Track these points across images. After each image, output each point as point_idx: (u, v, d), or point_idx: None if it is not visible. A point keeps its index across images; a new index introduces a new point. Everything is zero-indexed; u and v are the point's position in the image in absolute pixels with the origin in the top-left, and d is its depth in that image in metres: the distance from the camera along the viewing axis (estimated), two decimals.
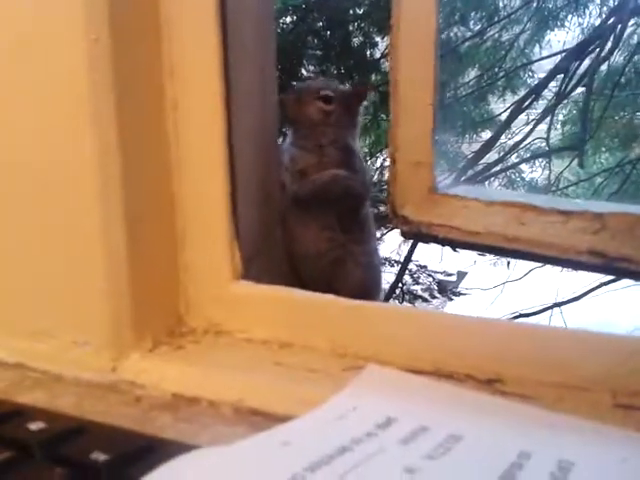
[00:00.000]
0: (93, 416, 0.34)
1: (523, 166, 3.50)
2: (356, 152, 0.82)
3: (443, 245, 0.66)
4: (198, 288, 0.45)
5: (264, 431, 0.31)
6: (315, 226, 0.78)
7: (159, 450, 0.28)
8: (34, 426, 0.29)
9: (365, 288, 0.79)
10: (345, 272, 0.78)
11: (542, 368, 0.37)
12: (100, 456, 0.27)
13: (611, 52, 2.84)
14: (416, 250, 2.84)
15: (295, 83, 0.85)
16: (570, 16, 3.42)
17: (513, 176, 3.51)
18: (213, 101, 0.45)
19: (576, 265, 0.54)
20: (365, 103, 0.85)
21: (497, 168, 3.11)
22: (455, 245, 0.65)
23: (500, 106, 3.58)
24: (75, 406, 0.37)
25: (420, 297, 2.89)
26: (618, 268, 0.51)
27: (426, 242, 0.66)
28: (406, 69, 0.65)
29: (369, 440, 0.30)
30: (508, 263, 2.90)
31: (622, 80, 3.30)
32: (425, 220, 0.65)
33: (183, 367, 0.41)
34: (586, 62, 3.01)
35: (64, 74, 0.40)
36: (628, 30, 3.18)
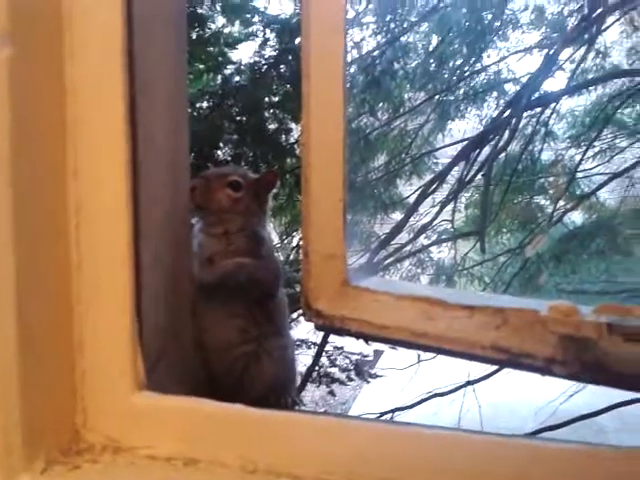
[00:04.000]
0: None
1: (433, 249, 3.66)
2: (265, 239, 0.81)
3: (356, 338, 0.66)
4: (97, 399, 0.43)
5: None
6: (224, 315, 0.76)
7: None
8: None
9: (278, 382, 0.78)
10: (258, 367, 0.77)
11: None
12: None
13: (508, 143, 3.07)
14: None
15: (207, 169, 0.84)
16: (469, 108, 3.71)
17: (422, 256, 3.64)
18: (118, 199, 0.44)
19: (482, 359, 0.56)
20: (275, 190, 0.86)
21: (407, 248, 3.22)
22: (367, 338, 0.66)
23: (408, 189, 3.77)
24: None
25: (337, 380, 2.87)
26: (521, 363, 0.53)
27: (339, 335, 0.66)
28: (317, 167, 0.67)
29: None
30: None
31: (519, 167, 3.57)
32: (338, 314, 0.65)
33: None
34: (486, 150, 3.24)
35: None
36: (523, 121, 3.48)
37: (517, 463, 0.37)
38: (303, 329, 2.94)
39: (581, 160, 3.58)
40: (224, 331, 0.77)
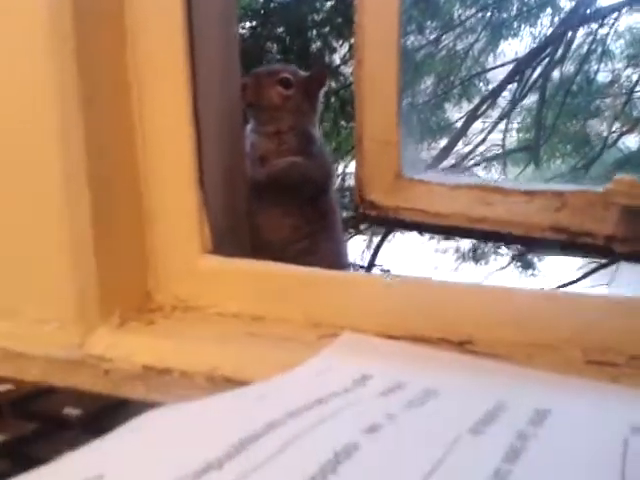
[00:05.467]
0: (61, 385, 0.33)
1: (480, 172, 3.57)
2: (315, 138, 0.81)
3: (410, 230, 0.66)
4: (166, 263, 0.45)
5: (239, 388, 0.30)
6: (277, 214, 0.77)
7: (131, 408, 0.28)
8: (1, 388, 0.28)
9: None
10: (311, 262, 0.78)
11: (513, 329, 0.37)
12: (72, 411, 0.26)
13: (562, 60, 2.93)
14: (378, 255, 2.86)
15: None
16: (523, 25, 3.52)
17: (470, 180, 3.57)
18: (179, 84, 0.44)
19: (541, 242, 0.55)
20: (325, 89, 0.85)
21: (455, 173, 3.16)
22: (422, 228, 0.66)
23: (457, 114, 3.66)
24: (42, 376, 0.36)
25: None
26: (581, 243, 0.52)
27: (393, 226, 0.66)
28: (371, 46, 0.65)
29: (346, 393, 0.30)
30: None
31: (574, 88, 3.41)
32: (392, 205, 0.65)
33: (153, 340, 0.40)
34: (538, 70, 3.10)
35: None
36: (578, 40, 3.30)
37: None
38: (350, 253, 2.96)
39: (638, 80, 3.40)
40: (277, 230, 0.78)
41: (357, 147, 0.65)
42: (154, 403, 0.29)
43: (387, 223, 0.67)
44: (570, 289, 2.42)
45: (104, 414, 0.26)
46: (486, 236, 0.61)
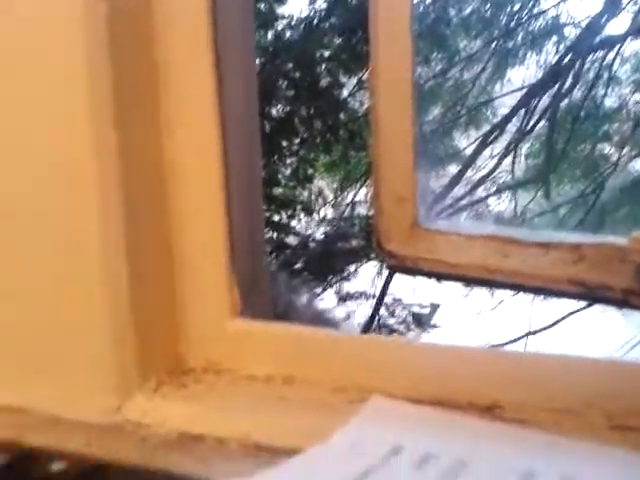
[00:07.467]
0: (103, 456, 0.35)
1: (489, 199, 3.59)
2: None
3: (429, 277, 0.68)
4: (197, 327, 0.46)
5: (279, 464, 0.32)
6: None
7: None
8: (55, 467, 0.29)
9: None
10: None
11: (538, 393, 0.38)
12: None
13: (573, 86, 2.96)
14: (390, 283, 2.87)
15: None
16: (528, 54, 3.57)
17: (480, 209, 3.59)
18: (210, 135, 0.46)
19: (558, 294, 0.57)
20: None
21: (465, 202, 3.19)
22: (440, 277, 0.67)
23: (464, 142, 3.69)
24: (84, 447, 0.37)
25: (396, 330, 2.91)
26: (598, 296, 0.53)
27: (412, 275, 0.68)
28: (384, 109, 0.67)
29: (383, 466, 0.31)
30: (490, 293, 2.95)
31: (581, 114, 3.44)
32: (410, 254, 0.67)
33: (187, 406, 0.41)
34: (546, 97, 3.13)
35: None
36: (586, 65, 3.34)
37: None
38: (362, 280, 2.98)
39: None
40: None
41: (374, 201, 0.67)
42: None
43: (406, 272, 0.69)
44: (589, 350, 2.40)
45: None
46: (503, 286, 0.63)
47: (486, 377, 0.39)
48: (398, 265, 0.68)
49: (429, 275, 0.66)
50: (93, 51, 0.40)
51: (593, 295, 0.54)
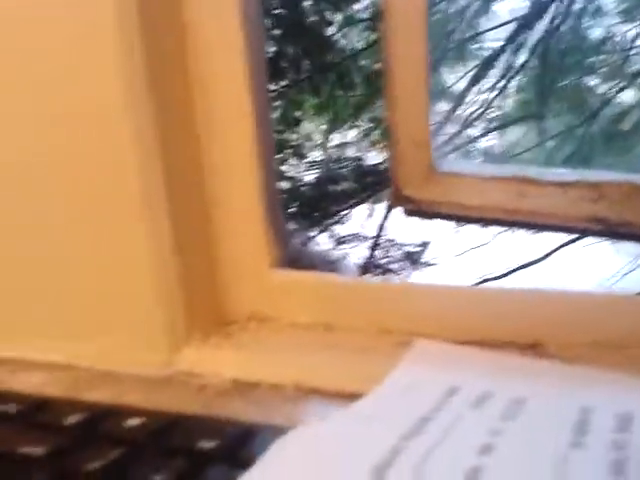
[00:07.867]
0: (165, 408, 0.36)
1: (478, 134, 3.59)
2: None
3: (447, 220, 0.69)
4: (238, 278, 0.47)
5: (343, 409, 0.33)
6: None
7: (256, 434, 0.30)
8: (132, 422, 0.31)
9: None
10: None
11: (577, 330, 0.40)
12: (206, 444, 0.29)
13: (564, 18, 2.92)
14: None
15: None
16: None
17: (467, 146, 3.59)
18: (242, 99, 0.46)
19: (579, 231, 0.58)
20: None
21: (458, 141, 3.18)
22: (458, 220, 0.68)
23: (452, 77, 3.65)
24: (145, 401, 0.38)
25: (390, 270, 2.96)
26: (620, 232, 0.55)
27: (430, 219, 0.69)
28: (398, 53, 0.67)
29: (443, 408, 0.32)
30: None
31: (564, 46, 3.39)
32: (427, 198, 0.68)
33: (237, 354, 0.43)
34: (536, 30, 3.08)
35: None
36: None
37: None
38: (356, 223, 3.00)
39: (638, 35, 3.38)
40: None
41: (391, 148, 0.67)
42: (271, 427, 0.31)
43: (424, 216, 0.70)
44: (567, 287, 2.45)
45: (236, 443, 0.29)
46: (522, 226, 0.64)
47: (527, 316, 0.41)
48: (416, 210, 0.68)
49: (448, 218, 0.67)
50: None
51: (615, 232, 0.55)
